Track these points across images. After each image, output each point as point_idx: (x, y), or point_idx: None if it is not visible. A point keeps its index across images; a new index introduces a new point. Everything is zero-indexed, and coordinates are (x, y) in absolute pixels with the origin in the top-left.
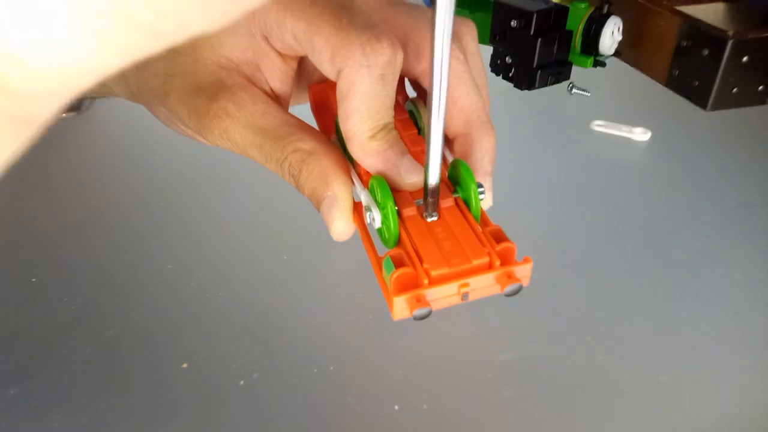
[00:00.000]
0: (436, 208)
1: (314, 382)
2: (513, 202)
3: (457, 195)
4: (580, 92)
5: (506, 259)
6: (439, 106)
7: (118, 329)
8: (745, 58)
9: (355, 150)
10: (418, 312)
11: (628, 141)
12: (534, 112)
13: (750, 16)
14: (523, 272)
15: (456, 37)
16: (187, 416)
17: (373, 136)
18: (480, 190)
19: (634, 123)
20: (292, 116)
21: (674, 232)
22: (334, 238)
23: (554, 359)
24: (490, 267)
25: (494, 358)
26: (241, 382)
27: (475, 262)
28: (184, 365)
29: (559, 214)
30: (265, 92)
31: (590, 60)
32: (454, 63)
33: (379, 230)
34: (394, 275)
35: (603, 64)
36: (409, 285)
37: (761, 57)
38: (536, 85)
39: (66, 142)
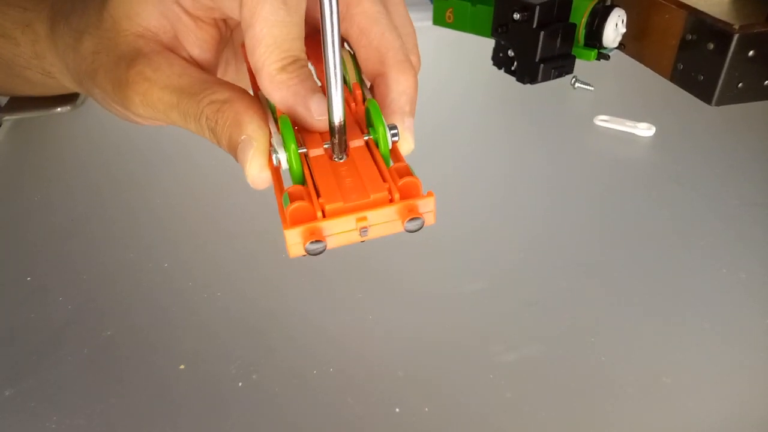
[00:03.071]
0: (344, 149)
1: (314, 383)
2: (515, 198)
3: (368, 137)
4: (584, 86)
5: (409, 193)
6: (332, 40)
7: (115, 330)
8: (751, 53)
9: (264, 82)
10: (310, 246)
11: (632, 136)
12: (536, 106)
13: (756, 9)
14: (426, 207)
15: None
16: (185, 418)
17: (282, 68)
18: (393, 131)
19: (638, 118)
20: (211, 75)
21: (678, 230)
22: (250, 184)
23: (556, 360)
24: (389, 201)
25: (496, 360)
26: (240, 384)
27: (374, 196)
28: (182, 366)
29: (562, 211)
30: (185, 59)
31: (593, 53)
32: (368, 5)
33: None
34: (289, 209)
35: (606, 58)
36: (304, 218)
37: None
38: (539, 79)
39: (60, 138)
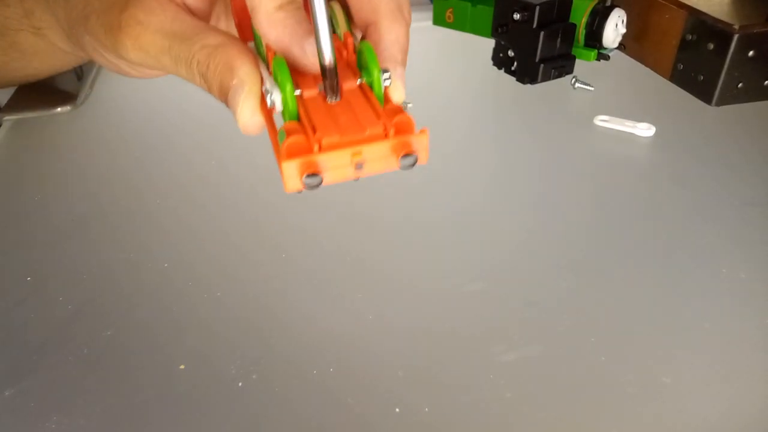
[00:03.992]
0: (337, 91)
1: (314, 383)
2: (515, 197)
3: (362, 81)
4: (584, 86)
5: (403, 131)
6: None
7: (115, 330)
8: (751, 53)
9: (261, 20)
10: (307, 179)
11: (632, 136)
12: (536, 106)
13: (756, 9)
14: (420, 144)
15: None
16: (185, 417)
17: (280, 6)
18: (385, 75)
19: (638, 118)
20: (203, 22)
21: (678, 230)
22: (241, 130)
23: (556, 360)
24: (384, 136)
25: (496, 360)
26: (240, 384)
27: (369, 132)
28: (182, 366)
29: (562, 211)
30: (177, 4)
31: (594, 53)
32: None
33: (283, 114)
34: (285, 143)
35: (606, 58)
36: (300, 151)
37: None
38: (539, 79)
39: (60, 138)
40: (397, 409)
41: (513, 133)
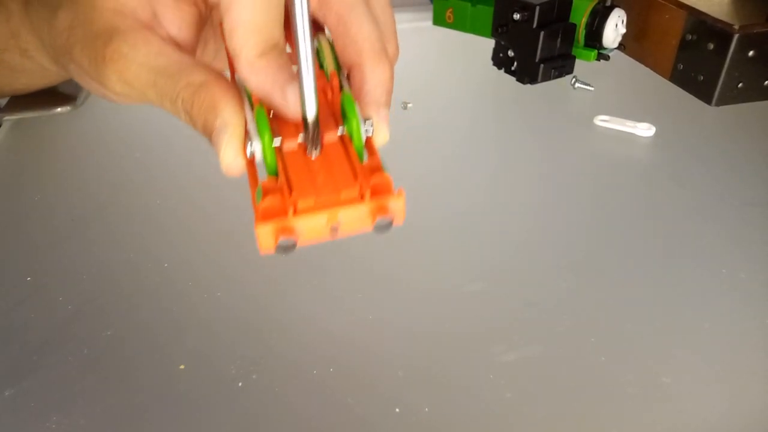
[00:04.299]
0: (318, 143)
1: (314, 383)
2: (515, 197)
3: (344, 131)
4: (584, 86)
5: (380, 192)
6: (303, 35)
7: (115, 330)
8: (751, 53)
9: (241, 67)
10: (282, 242)
11: (632, 136)
12: (536, 106)
13: (756, 9)
14: (396, 206)
15: None
16: (185, 417)
17: (261, 54)
18: (367, 124)
19: (638, 118)
20: (189, 56)
21: (678, 230)
22: (223, 171)
23: (556, 360)
24: (360, 199)
25: (496, 360)
26: (240, 384)
27: (345, 194)
28: (181, 366)
29: (562, 211)
30: (163, 38)
31: (594, 53)
32: None
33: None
34: (261, 205)
35: (606, 58)
36: (275, 214)
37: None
38: (539, 79)
39: (60, 138)
40: (397, 409)
41: (513, 133)
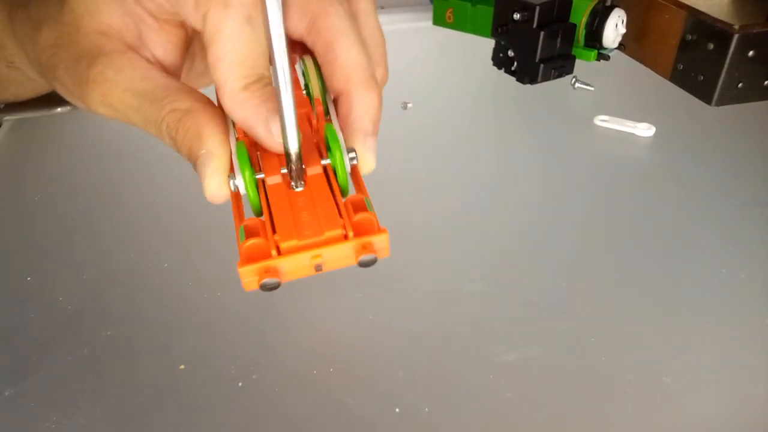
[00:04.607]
0: (302, 177)
1: (314, 383)
2: (515, 197)
3: (327, 162)
4: (584, 86)
5: (363, 230)
6: (283, 72)
7: (115, 330)
8: (751, 53)
9: (225, 99)
10: (265, 282)
11: (632, 136)
12: (536, 106)
13: (756, 9)
14: (380, 243)
15: None
16: (185, 417)
17: (245, 86)
18: (351, 155)
19: (638, 118)
20: (174, 80)
21: (678, 230)
22: (207, 199)
23: (556, 360)
24: (344, 238)
25: (496, 360)
26: (240, 383)
27: (328, 234)
28: (181, 366)
29: (562, 211)
30: (148, 60)
31: (594, 53)
32: (335, 18)
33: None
34: (244, 245)
35: (606, 58)
36: (259, 255)
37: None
38: (539, 79)
39: (60, 138)
40: (397, 409)
41: (513, 133)
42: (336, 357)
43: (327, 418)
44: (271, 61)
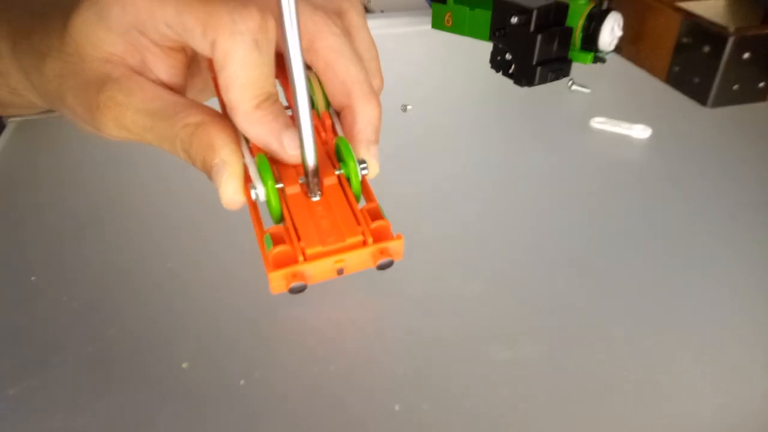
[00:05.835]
0: (318, 188)
1: (315, 381)
2: (512, 199)
3: (340, 172)
4: (580, 89)
5: (381, 236)
6: (299, 88)
7: (119, 328)
8: (746, 55)
9: (240, 120)
10: (294, 286)
11: (628, 138)
12: (533, 109)
13: (751, 12)
14: (396, 248)
15: (338, 14)
16: (188, 415)
17: (257, 106)
18: (362, 165)
19: (634, 120)
20: (183, 97)
21: (675, 231)
22: (224, 205)
23: (554, 359)
24: (363, 244)
25: (495, 358)
26: (242, 382)
27: (349, 241)
28: (184, 365)
29: (559, 212)
30: (154, 81)
31: (590, 56)
32: (332, 39)
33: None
34: (272, 253)
35: (603, 61)
36: (286, 261)
37: (762, 53)
38: (536, 81)
39: (65, 139)
40: (397, 407)
41: (510, 136)
42: (336, 355)
43: (328, 415)
44: (291, 92)
